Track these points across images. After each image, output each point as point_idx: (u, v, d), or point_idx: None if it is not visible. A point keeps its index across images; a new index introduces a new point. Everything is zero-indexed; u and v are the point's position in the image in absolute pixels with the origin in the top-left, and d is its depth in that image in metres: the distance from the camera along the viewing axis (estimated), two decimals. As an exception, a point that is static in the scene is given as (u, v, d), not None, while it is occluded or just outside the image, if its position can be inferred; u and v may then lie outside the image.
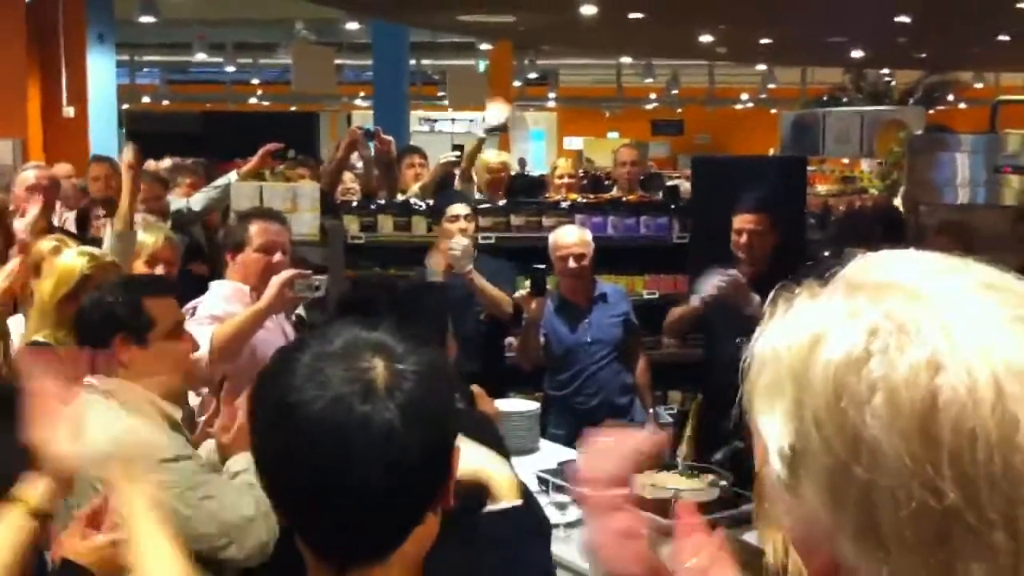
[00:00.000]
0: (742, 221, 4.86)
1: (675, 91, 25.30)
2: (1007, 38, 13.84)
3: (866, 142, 9.56)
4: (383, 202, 6.31)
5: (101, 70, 10.95)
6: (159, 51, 22.43)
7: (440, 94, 19.71)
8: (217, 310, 3.82)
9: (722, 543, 1.21)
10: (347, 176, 6.75)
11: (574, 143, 28.33)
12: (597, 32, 14.08)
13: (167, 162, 9.17)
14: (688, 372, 5.81)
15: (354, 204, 6.28)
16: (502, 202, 6.47)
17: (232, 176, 5.82)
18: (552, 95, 27.40)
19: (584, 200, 6.78)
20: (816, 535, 0.79)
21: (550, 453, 4.41)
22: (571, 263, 4.99)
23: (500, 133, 18.68)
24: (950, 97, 20.39)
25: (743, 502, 3.42)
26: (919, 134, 8.87)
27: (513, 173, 8.59)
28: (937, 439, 0.73)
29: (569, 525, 3.49)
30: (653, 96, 27.08)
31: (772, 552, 1.46)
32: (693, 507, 1.29)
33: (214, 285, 4.06)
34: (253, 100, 27.48)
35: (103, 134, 10.72)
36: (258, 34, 20.42)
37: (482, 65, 20.25)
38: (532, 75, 25.11)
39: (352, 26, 15.84)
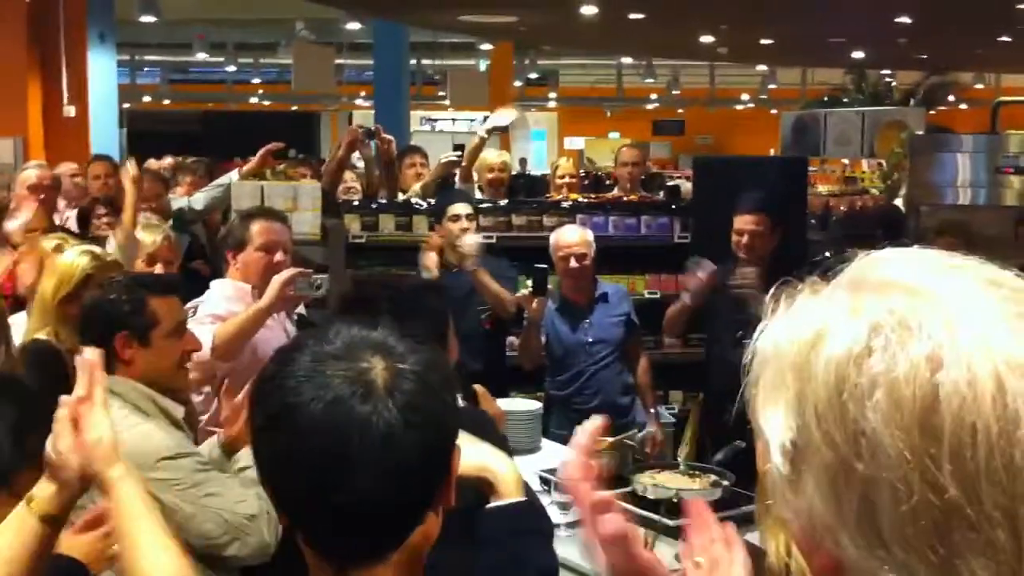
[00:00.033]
0: (743, 221, 4.87)
1: (676, 91, 25.30)
2: (1008, 39, 13.83)
3: (867, 143, 9.54)
4: (384, 202, 6.31)
5: (102, 69, 10.95)
6: (160, 50, 22.44)
7: (441, 94, 19.70)
8: (219, 309, 3.82)
9: (732, 537, 1.21)
10: (348, 175, 6.75)
11: (575, 143, 28.32)
12: (598, 32, 14.07)
13: (168, 161, 9.18)
14: (689, 372, 5.81)
15: (355, 203, 6.28)
16: (503, 202, 6.47)
17: (233, 175, 5.82)
18: (553, 95, 27.40)
19: (585, 200, 6.78)
20: (817, 531, 0.79)
21: (552, 453, 4.42)
22: (572, 263, 4.99)
23: (501, 133, 18.71)
24: (951, 98, 20.37)
25: (745, 502, 3.42)
26: (920, 135, 8.85)
27: (514, 173, 8.59)
28: (937, 434, 0.73)
29: (571, 525, 3.49)
30: (654, 96, 27.08)
31: (774, 551, 1.46)
32: (703, 505, 1.29)
33: (215, 284, 4.06)
34: (254, 100, 27.48)
35: (104, 133, 10.72)
36: (259, 34, 20.43)
37: (483, 65, 20.25)
38: (533, 75, 25.11)
39: (353, 26, 15.83)
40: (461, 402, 2.53)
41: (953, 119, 18.32)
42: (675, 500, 3.47)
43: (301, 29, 16.86)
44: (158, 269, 4.25)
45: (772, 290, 0.87)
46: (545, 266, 4.97)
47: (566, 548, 2.49)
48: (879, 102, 16.97)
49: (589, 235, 5.13)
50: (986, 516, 0.72)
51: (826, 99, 18.59)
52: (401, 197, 6.44)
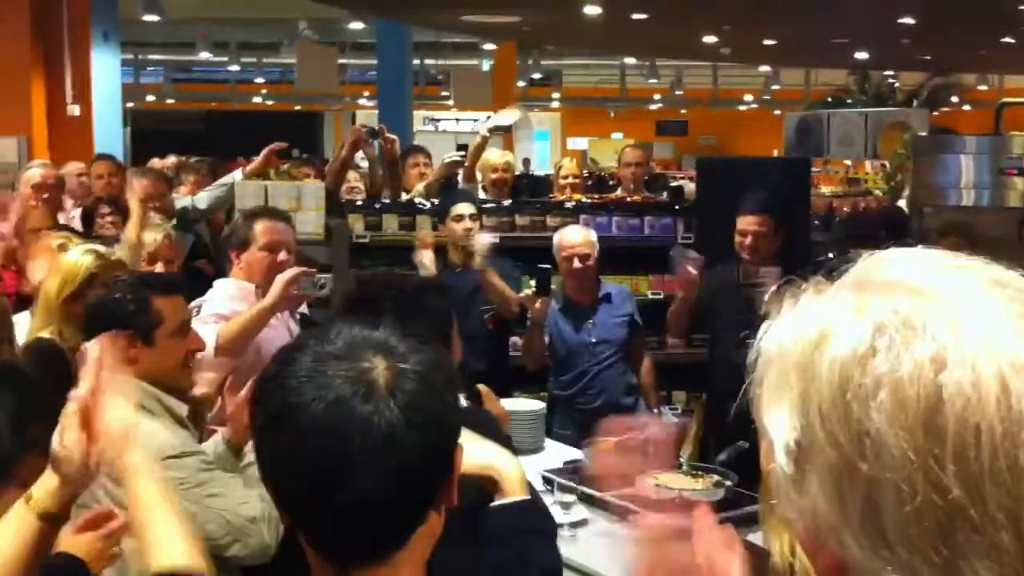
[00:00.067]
0: (746, 222, 4.87)
1: (679, 92, 25.30)
2: (1011, 40, 13.82)
3: (870, 144, 9.54)
4: (388, 201, 6.31)
5: (105, 68, 10.94)
6: (163, 50, 22.45)
7: (444, 94, 19.72)
8: (222, 308, 3.83)
9: (732, 540, 1.21)
10: (352, 175, 6.75)
11: (578, 143, 28.33)
12: (601, 32, 14.07)
13: (171, 160, 9.18)
14: (692, 372, 5.81)
15: (359, 203, 6.29)
16: (507, 202, 6.47)
17: (237, 175, 5.83)
18: (556, 95, 27.40)
19: (589, 200, 6.78)
20: (821, 531, 0.79)
21: (555, 453, 4.42)
22: (576, 263, 4.99)
23: (504, 133, 18.70)
24: (954, 99, 20.36)
25: (748, 502, 3.42)
26: (923, 136, 8.86)
27: (517, 173, 8.59)
28: (941, 434, 0.73)
29: (573, 525, 3.49)
30: (657, 97, 27.07)
31: (778, 551, 1.46)
32: (705, 507, 1.28)
33: (219, 284, 4.07)
34: (257, 99, 27.49)
35: (107, 132, 10.71)
36: (262, 33, 20.44)
37: (486, 65, 20.25)
38: (536, 75, 25.11)
39: (356, 26, 15.84)
40: (465, 402, 2.53)
41: (956, 120, 18.31)
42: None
43: (304, 29, 16.87)
44: (159, 268, 4.25)
45: (776, 290, 0.87)
46: (548, 266, 4.97)
47: (568, 548, 2.50)
48: (882, 103, 16.97)
49: (592, 235, 5.13)
50: (990, 518, 0.72)
51: (829, 100, 18.61)
52: (404, 197, 6.45)
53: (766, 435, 0.83)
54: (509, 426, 3.75)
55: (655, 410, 5.18)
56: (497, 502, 1.83)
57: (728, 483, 3.62)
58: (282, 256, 3.99)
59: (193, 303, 3.68)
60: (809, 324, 0.81)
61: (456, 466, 1.28)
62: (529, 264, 5.21)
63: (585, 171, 13.89)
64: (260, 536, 2.56)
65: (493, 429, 2.44)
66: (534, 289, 4.92)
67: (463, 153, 6.93)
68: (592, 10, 10.97)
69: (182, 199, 6.28)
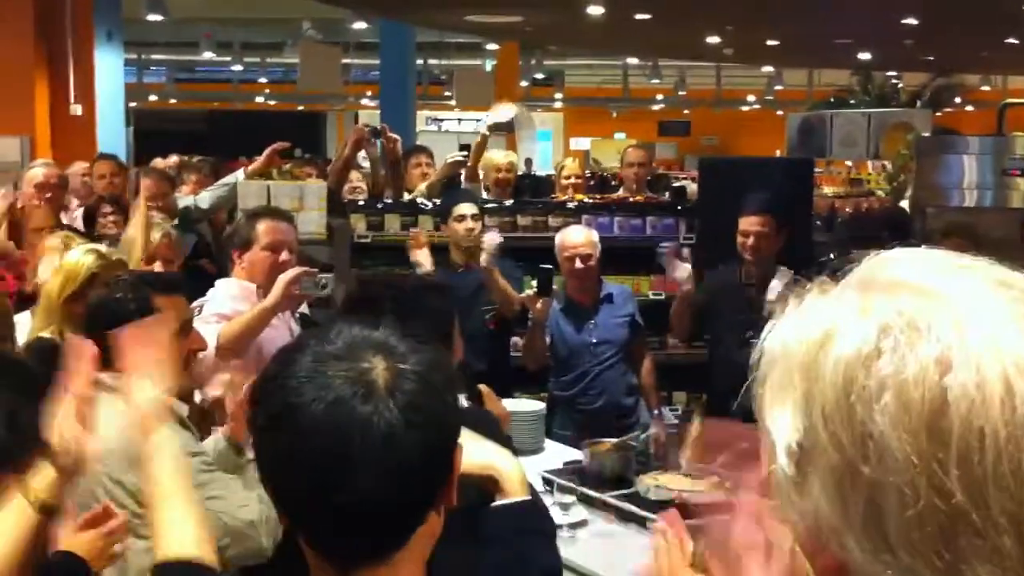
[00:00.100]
0: (748, 223, 4.86)
1: (682, 92, 25.31)
2: (1015, 41, 13.81)
3: (873, 144, 9.54)
4: (390, 201, 6.32)
5: (109, 68, 10.95)
6: (167, 49, 22.47)
7: (447, 94, 19.73)
8: (224, 308, 3.82)
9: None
10: (354, 175, 6.76)
11: (581, 143, 28.34)
12: (604, 32, 14.07)
13: (173, 160, 9.19)
14: (693, 373, 5.80)
15: (361, 203, 6.30)
16: (509, 202, 6.47)
17: (239, 174, 5.83)
18: (559, 95, 27.41)
19: (591, 200, 6.78)
20: (822, 533, 0.79)
21: (555, 453, 4.42)
22: (577, 263, 4.99)
23: (507, 133, 18.72)
24: (957, 100, 20.34)
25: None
26: (926, 137, 8.86)
27: (519, 173, 8.58)
28: (945, 438, 0.72)
29: (573, 526, 3.49)
30: (660, 97, 27.08)
31: (778, 552, 1.46)
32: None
33: (220, 283, 4.07)
34: (260, 99, 27.53)
35: (110, 132, 10.73)
36: (265, 33, 20.46)
37: (489, 65, 20.26)
38: (539, 75, 25.11)
39: (359, 25, 15.85)
40: (466, 402, 2.53)
41: (959, 121, 18.30)
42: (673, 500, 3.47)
43: (307, 29, 16.88)
44: (157, 267, 4.23)
45: (779, 289, 0.87)
46: (550, 266, 4.97)
47: (567, 549, 2.49)
48: (885, 104, 16.94)
49: (594, 236, 5.13)
50: (992, 522, 0.71)
51: (832, 100, 18.56)
52: (407, 197, 6.45)
53: (768, 436, 0.83)
54: (510, 427, 3.75)
55: (655, 411, 5.17)
56: (498, 502, 1.82)
57: (728, 484, 3.60)
58: (284, 256, 3.99)
59: (195, 303, 3.68)
60: (813, 324, 0.81)
61: (456, 466, 1.28)
62: (531, 264, 5.21)
63: (587, 171, 13.89)
64: (257, 540, 2.56)
65: (494, 429, 2.44)
66: (535, 289, 4.92)
67: (465, 153, 6.93)
68: (595, 10, 10.97)
69: (184, 199, 6.29)
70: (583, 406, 4.97)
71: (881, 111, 11.03)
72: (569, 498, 3.59)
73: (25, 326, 3.63)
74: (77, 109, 10.37)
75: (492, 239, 5.04)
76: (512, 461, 1.88)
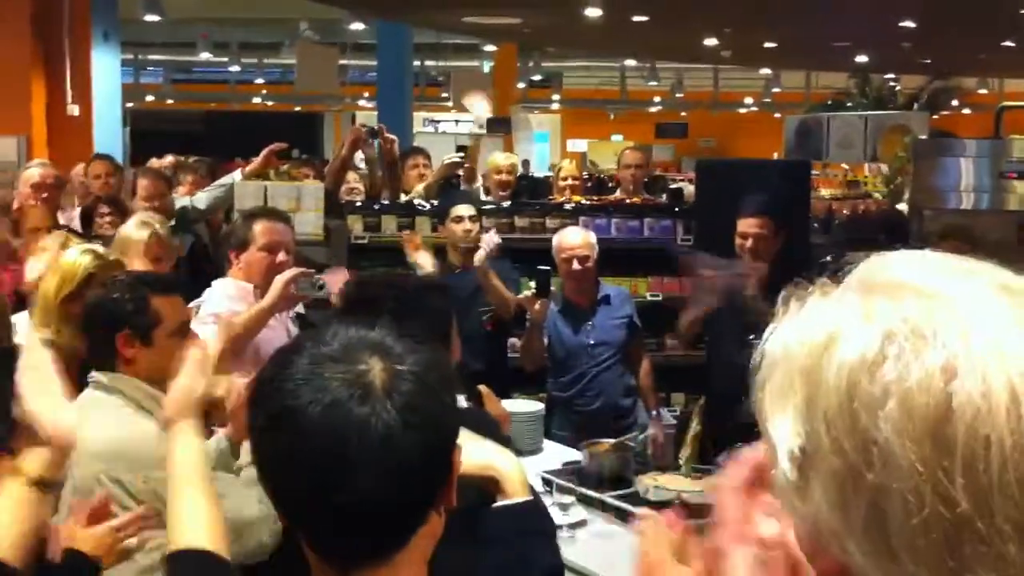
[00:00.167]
0: (746, 224, 4.86)
1: (679, 94, 25.33)
2: (1012, 44, 13.84)
3: (870, 147, 9.56)
4: (387, 202, 6.32)
5: (105, 68, 10.94)
6: (163, 50, 22.47)
7: (444, 95, 19.74)
8: (221, 309, 3.82)
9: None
10: (351, 176, 6.75)
11: (578, 145, 28.34)
12: (601, 34, 14.08)
13: (168, 160, 9.18)
14: (691, 374, 5.80)
15: (358, 204, 6.30)
16: (506, 203, 6.47)
17: (236, 175, 5.82)
18: (556, 97, 27.43)
19: (588, 202, 6.78)
20: (823, 536, 0.79)
21: (554, 454, 4.42)
22: (575, 265, 4.99)
23: (504, 134, 18.73)
24: (954, 102, 20.38)
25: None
26: (923, 139, 8.87)
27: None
28: (950, 445, 0.72)
29: (572, 526, 3.49)
30: (657, 99, 27.11)
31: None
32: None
33: (217, 284, 4.07)
34: (257, 100, 27.53)
35: (107, 132, 10.72)
36: (262, 34, 20.46)
37: (486, 66, 20.27)
38: (536, 77, 25.13)
39: (356, 26, 15.85)
40: (465, 403, 2.53)
41: (957, 124, 18.31)
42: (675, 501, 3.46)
43: (305, 29, 16.88)
44: (138, 265, 4.16)
45: (783, 293, 0.86)
46: (548, 268, 4.97)
47: (566, 549, 2.49)
48: (883, 106, 16.97)
49: (592, 237, 5.13)
50: (997, 529, 0.71)
51: (830, 103, 18.60)
52: (404, 198, 6.45)
53: (769, 439, 0.82)
54: (509, 428, 3.75)
55: (653, 412, 5.17)
56: (499, 503, 1.82)
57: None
58: (281, 257, 3.99)
59: (192, 303, 3.68)
60: (816, 327, 0.80)
61: (455, 466, 1.28)
62: (528, 266, 5.21)
63: (584, 173, 13.90)
64: (258, 537, 2.55)
65: (493, 431, 2.43)
66: (533, 291, 4.92)
67: (462, 154, 6.93)
68: (593, 12, 10.98)
69: (181, 199, 6.28)
70: (581, 407, 4.97)
71: (878, 114, 11.04)
72: (568, 498, 3.59)
73: (23, 326, 3.62)
74: (74, 109, 10.37)
75: (491, 239, 5.03)
76: (513, 461, 1.88)
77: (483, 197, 6.93)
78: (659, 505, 3.53)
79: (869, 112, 11.55)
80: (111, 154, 7.73)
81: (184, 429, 1.73)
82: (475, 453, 1.73)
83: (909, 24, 12.10)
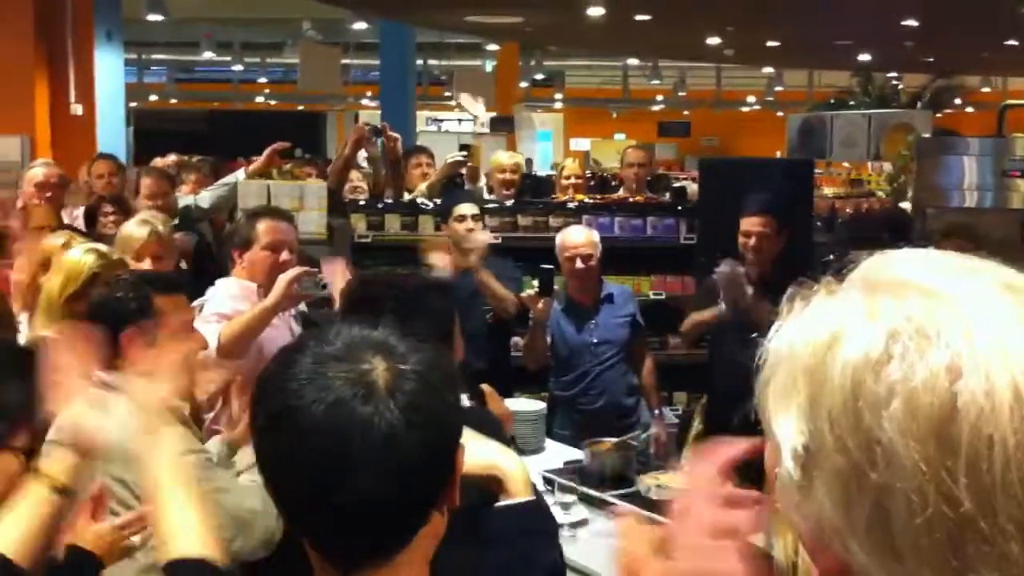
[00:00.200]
0: (749, 223, 4.86)
1: (682, 93, 25.31)
2: (1015, 43, 13.82)
3: (873, 145, 9.55)
4: (390, 201, 6.32)
5: (109, 68, 10.95)
6: (167, 49, 22.48)
7: (447, 94, 19.73)
8: (224, 308, 3.83)
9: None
10: (355, 175, 6.76)
11: (581, 144, 28.34)
12: (604, 33, 14.07)
13: (171, 159, 9.19)
14: (693, 373, 5.81)
15: (361, 203, 6.30)
16: (509, 202, 6.47)
17: (240, 174, 5.83)
18: (559, 96, 27.42)
19: (591, 201, 6.78)
20: (826, 534, 0.79)
21: (556, 453, 4.42)
22: (578, 263, 4.98)
23: (507, 133, 18.73)
24: (957, 101, 20.34)
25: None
26: (926, 138, 8.85)
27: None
28: (954, 445, 0.72)
29: (574, 525, 3.49)
30: (660, 98, 27.09)
31: (781, 550, 1.46)
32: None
33: (220, 283, 4.07)
34: (260, 99, 27.54)
35: (110, 132, 10.72)
36: (265, 33, 20.46)
37: (489, 65, 20.27)
38: (539, 76, 25.12)
39: (359, 26, 15.85)
40: (468, 402, 2.53)
41: (960, 122, 18.30)
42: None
43: (308, 29, 16.88)
44: (145, 265, 4.17)
45: (788, 292, 0.86)
46: (551, 267, 4.97)
47: (568, 548, 2.49)
48: (886, 105, 16.94)
49: (595, 236, 5.12)
50: (1000, 529, 0.71)
51: (832, 102, 18.57)
52: (407, 197, 6.45)
53: (772, 438, 0.82)
54: (512, 427, 3.75)
55: (656, 411, 5.17)
56: (502, 502, 1.82)
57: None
58: (284, 256, 3.99)
59: (195, 302, 3.68)
60: (820, 326, 0.80)
61: (458, 466, 1.28)
62: (532, 264, 5.21)
63: (587, 172, 13.90)
64: (263, 528, 2.55)
65: (496, 430, 2.43)
66: (537, 289, 4.91)
67: (465, 153, 6.93)
68: (595, 11, 10.98)
69: (185, 198, 6.29)
70: (584, 406, 4.97)
71: (881, 112, 11.03)
72: (570, 497, 3.59)
73: (24, 326, 3.63)
74: (77, 109, 10.37)
75: (481, 239, 5.00)
76: (516, 461, 1.88)
77: (486, 196, 6.93)
78: (660, 504, 3.53)
79: (872, 111, 11.53)
80: (114, 154, 7.73)
81: (163, 437, 1.71)
82: (478, 452, 1.73)
83: (912, 22, 12.09)
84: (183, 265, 5.00)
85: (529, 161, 18.24)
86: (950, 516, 0.72)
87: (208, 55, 20.25)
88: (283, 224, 4.10)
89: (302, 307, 4.22)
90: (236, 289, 3.97)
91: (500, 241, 5.99)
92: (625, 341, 5.07)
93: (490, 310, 5.14)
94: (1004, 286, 0.78)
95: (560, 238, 5.12)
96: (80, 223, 5.75)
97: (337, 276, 4.21)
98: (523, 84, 23.14)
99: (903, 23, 12.09)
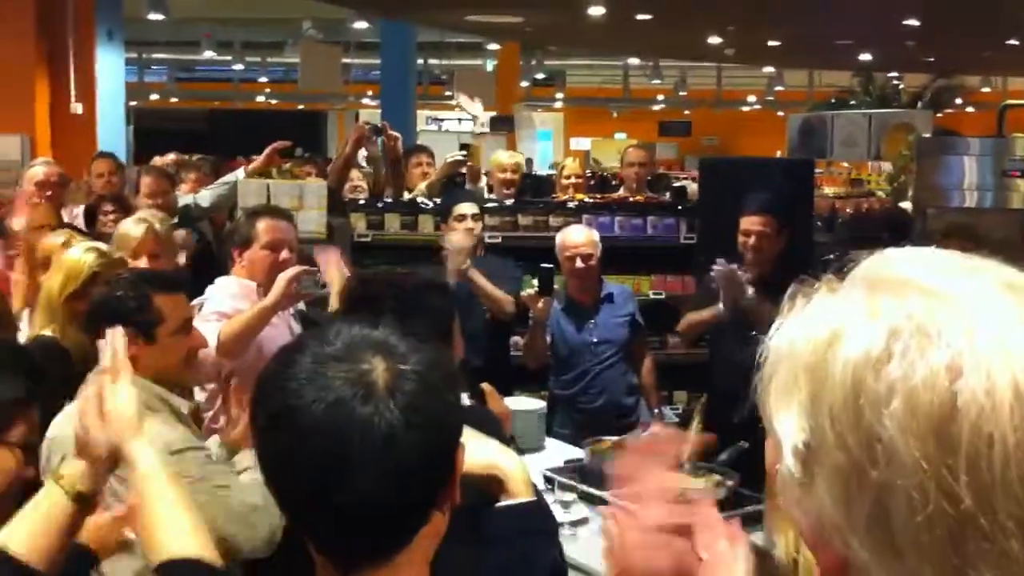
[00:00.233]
0: (749, 223, 4.85)
1: (683, 93, 25.31)
2: (1015, 42, 13.81)
3: (874, 145, 9.56)
4: (390, 201, 6.33)
5: (110, 67, 10.95)
6: (167, 49, 22.48)
7: (447, 93, 19.73)
8: (224, 307, 3.83)
9: (737, 534, 1.20)
10: (355, 174, 6.76)
11: (581, 143, 28.34)
12: (605, 33, 14.07)
13: (171, 158, 9.20)
14: (693, 372, 5.81)
15: (361, 202, 6.30)
16: (509, 202, 6.48)
17: (240, 173, 5.83)
18: (559, 95, 27.42)
19: (591, 200, 6.78)
20: (826, 531, 0.79)
21: (556, 452, 4.42)
22: (578, 263, 4.99)
23: (507, 132, 18.72)
24: (958, 101, 20.34)
25: (749, 502, 3.41)
26: (927, 138, 8.86)
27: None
28: (954, 443, 0.72)
29: (574, 523, 3.49)
30: (661, 97, 27.09)
31: (783, 547, 1.46)
32: (709, 501, 1.28)
33: (220, 281, 4.07)
34: (260, 98, 27.55)
35: (111, 131, 10.71)
36: (266, 32, 20.47)
37: (490, 65, 20.27)
38: (540, 75, 25.12)
39: (360, 25, 15.86)
40: (468, 401, 2.53)
41: (960, 122, 18.30)
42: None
43: (308, 28, 16.89)
44: (142, 263, 4.17)
45: (790, 289, 0.86)
46: (551, 266, 4.97)
47: (568, 546, 2.49)
48: (886, 105, 16.94)
49: (595, 235, 5.13)
50: (1000, 526, 0.71)
51: (833, 101, 18.57)
52: (407, 196, 6.45)
53: (773, 435, 0.82)
54: (511, 426, 3.75)
55: (656, 410, 5.18)
56: (503, 503, 1.82)
57: (729, 483, 3.61)
58: (284, 255, 3.99)
59: (195, 301, 3.68)
60: (821, 324, 0.81)
61: (458, 466, 1.28)
62: (532, 264, 5.21)
63: (588, 171, 13.90)
64: (264, 525, 2.55)
65: (495, 429, 2.43)
66: (537, 289, 4.91)
67: (465, 152, 6.93)
68: (596, 11, 10.97)
69: (184, 197, 6.29)
70: (583, 405, 4.97)
71: (882, 112, 11.04)
72: (570, 496, 3.59)
73: (24, 325, 3.63)
74: (78, 108, 10.37)
75: (456, 241, 4.97)
76: (516, 461, 1.88)
77: (486, 195, 6.93)
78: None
79: (873, 110, 11.54)
80: (115, 152, 7.73)
81: (137, 449, 1.69)
82: (478, 452, 1.73)
83: (912, 22, 12.09)
84: (181, 259, 4.98)
85: (529, 161, 18.24)
86: (950, 513, 0.72)
87: (209, 54, 20.26)
88: (283, 223, 4.10)
89: (300, 306, 4.22)
90: (236, 288, 3.97)
91: (500, 240, 6.00)
92: (625, 340, 5.07)
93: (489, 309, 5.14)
94: (1005, 285, 0.78)
95: (560, 237, 5.12)
96: (80, 222, 5.75)
97: (331, 266, 4.21)
98: (523, 83, 23.14)
99: (904, 23, 12.09)
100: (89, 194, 6.65)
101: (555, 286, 4.99)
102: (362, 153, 6.72)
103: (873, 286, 0.81)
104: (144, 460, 1.66)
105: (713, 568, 1.18)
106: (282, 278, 3.67)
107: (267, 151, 5.74)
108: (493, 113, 18.18)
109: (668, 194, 7.79)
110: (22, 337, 3.51)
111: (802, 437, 0.79)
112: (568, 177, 7.34)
